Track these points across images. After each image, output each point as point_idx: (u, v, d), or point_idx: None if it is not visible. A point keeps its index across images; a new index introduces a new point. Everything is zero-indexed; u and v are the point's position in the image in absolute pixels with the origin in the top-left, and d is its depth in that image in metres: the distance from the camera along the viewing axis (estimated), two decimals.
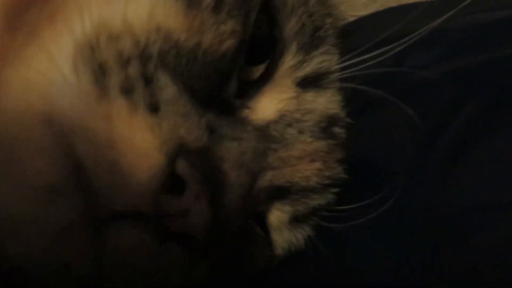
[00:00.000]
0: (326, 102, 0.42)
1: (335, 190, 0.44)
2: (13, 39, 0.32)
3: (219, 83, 0.34)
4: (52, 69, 0.30)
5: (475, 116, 0.39)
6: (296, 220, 0.43)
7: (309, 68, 0.41)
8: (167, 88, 0.31)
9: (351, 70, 0.46)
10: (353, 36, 0.55)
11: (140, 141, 0.29)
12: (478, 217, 0.37)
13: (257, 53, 0.39)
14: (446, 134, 0.41)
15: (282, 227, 0.43)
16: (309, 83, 0.41)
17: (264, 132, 0.38)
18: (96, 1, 0.32)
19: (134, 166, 0.29)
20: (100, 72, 0.30)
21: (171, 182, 0.30)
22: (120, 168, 0.29)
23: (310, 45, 0.41)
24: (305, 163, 0.40)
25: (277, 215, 0.42)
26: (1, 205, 0.29)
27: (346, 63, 0.47)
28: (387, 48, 0.47)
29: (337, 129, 0.43)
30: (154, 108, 0.31)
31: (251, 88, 0.38)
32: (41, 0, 0.32)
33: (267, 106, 0.39)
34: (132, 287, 0.32)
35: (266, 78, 0.39)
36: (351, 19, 0.59)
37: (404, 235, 0.40)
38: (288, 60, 0.39)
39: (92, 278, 0.31)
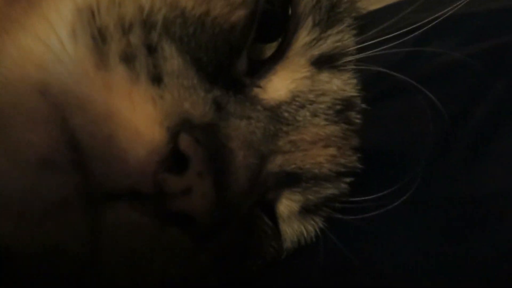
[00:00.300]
0: (342, 84, 0.39)
1: (349, 179, 0.41)
2: (11, 8, 0.30)
3: (228, 57, 0.32)
4: (49, 35, 0.28)
5: (504, 97, 0.36)
6: (306, 210, 0.40)
7: (325, 46, 0.38)
8: (172, 59, 0.29)
9: (369, 52, 0.43)
10: (369, 21, 0.52)
11: (140, 113, 0.27)
12: (502, 204, 0.34)
13: (270, 30, 0.36)
14: (472, 118, 0.38)
15: (291, 218, 0.40)
16: (324, 62, 0.38)
17: (275, 112, 0.35)
18: None
19: (132, 141, 0.27)
20: (99, 38, 0.28)
21: (173, 159, 0.27)
22: (117, 142, 0.27)
23: (327, 22, 0.38)
24: (318, 148, 0.37)
25: (287, 204, 0.39)
26: None
27: (363, 45, 0.44)
28: (404, 30, 0.45)
29: (353, 114, 0.40)
30: (157, 79, 0.28)
31: (263, 66, 0.36)
32: None
33: (279, 85, 0.36)
34: (129, 272, 0.30)
35: (279, 56, 0.36)
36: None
37: (422, 227, 0.37)
38: (303, 37, 0.37)
39: (86, 261, 0.29)
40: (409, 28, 0.45)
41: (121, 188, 0.27)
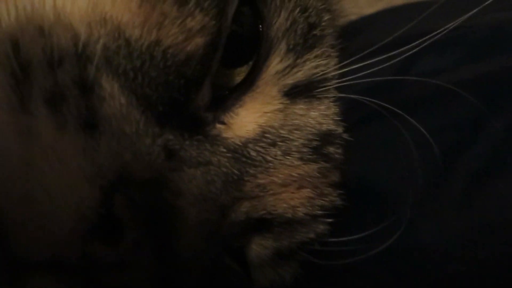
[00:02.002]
0: (319, 115, 0.34)
1: (329, 220, 0.37)
2: None
3: (184, 92, 0.27)
4: None
5: (504, 135, 0.32)
6: (280, 256, 0.35)
7: (300, 74, 0.33)
8: (112, 99, 0.24)
9: (351, 77, 0.39)
10: (355, 37, 0.48)
11: (66, 169, 0.22)
12: None
13: (239, 54, 0.32)
14: (465, 155, 0.33)
15: (263, 265, 0.35)
16: (299, 92, 0.33)
17: (240, 153, 0.30)
18: None
19: (56, 203, 0.22)
20: (21, 75, 0.23)
21: (106, 225, 0.22)
22: (38, 204, 0.22)
23: (303, 46, 0.34)
24: (291, 190, 0.33)
25: (258, 251, 0.35)
26: None
27: (346, 69, 0.39)
28: (394, 52, 0.40)
29: (332, 149, 0.36)
30: (90, 125, 0.23)
31: (228, 97, 0.31)
32: None
33: (247, 119, 0.32)
34: None
35: (248, 85, 0.32)
36: (354, 17, 0.51)
37: (412, 277, 0.33)
38: (275, 64, 0.32)
39: None
40: (396, 51, 0.40)
41: (42, 258, 0.22)
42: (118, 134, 0.24)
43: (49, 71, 0.23)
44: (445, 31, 0.40)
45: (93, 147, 0.23)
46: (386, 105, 0.36)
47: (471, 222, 0.33)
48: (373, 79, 0.38)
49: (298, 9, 0.34)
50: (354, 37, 0.48)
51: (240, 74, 0.32)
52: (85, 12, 0.25)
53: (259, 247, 0.35)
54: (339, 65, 0.39)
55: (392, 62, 0.40)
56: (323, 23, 0.37)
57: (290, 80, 0.33)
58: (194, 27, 0.27)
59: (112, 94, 0.24)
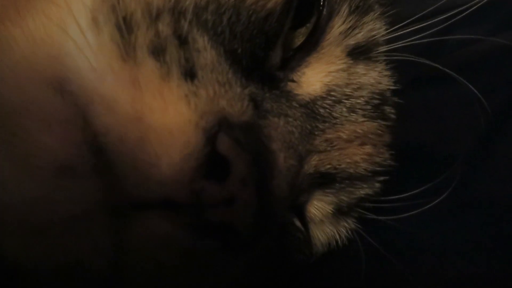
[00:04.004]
0: (378, 75, 0.36)
1: (383, 178, 0.39)
2: None
3: (263, 48, 0.29)
4: (66, 22, 0.24)
5: None
6: (339, 212, 0.37)
7: (360, 35, 0.35)
8: (205, 51, 0.26)
9: (400, 42, 0.40)
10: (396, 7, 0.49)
11: (173, 113, 0.24)
12: None
13: (300, 16, 0.33)
14: None
15: (324, 221, 0.37)
16: (360, 53, 0.35)
17: (310, 109, 0.32)
18: None
19: (165, 144, 0.23)
20: (125, 28, 0.24)
21: (211, 164, 0.24)
22: (148, 146, 0.23)
23: (362, 9, 0.35)
24: (355, 146, 0.35)
25: (319, 206, 0.36)
26: (1, 190, 0.24)
27: (393, 35, 0.41)
28: (433, 20, 0.42)
29: (388, 109, 0.37)
30: (189, 74, 0.25)
31: (295, 57, 0.33)
32: None
33: (313, 79, 0.33)
34: None
35: (312, 45, 0.33)
36: None
37: (467, 233, 0.35)
38: (338, 25, 0.34)
39: (107, 279, 0.26)
40: (436, 19, 0.42)
41: (152, 197, 0.24)
42: (213, 82, 0.25)
43: (151, 23, 0.25)
44: (478, 4, 0.41)
45: (195, 93, 0.24)
46: (436, 65, 0.38)
47: None
48: (420, 41, 0.40)
49: None
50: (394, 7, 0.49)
51: (299, 36, 0.33)
52: None
53: (321, 203, 0.36)
54: (389, 30, 0.41)
55: (432, 30, 0.41)
56: None
57: (352, 41, 0.34)
58: None
59: (205, 46, 0.26)
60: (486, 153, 0.36)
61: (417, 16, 0.42)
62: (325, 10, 0.33)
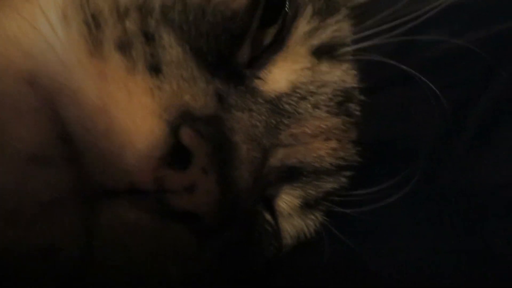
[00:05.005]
0: (342, 74, 0.38)
1: (349, 173, 0.40)
2: None
3: (229, 46, 0.30)
4: (37, 18, 0.26)
5: (509, 85, 0.35)
6: (307, 205, 0.38)
7: (324, 36, 0.37)
8: (171, 47, 0.27)
9: (365, 43, 0.42)
10: (364, 10, 0.51)
11: (137, 105, 0.25)
12: None
13: (268, 16, 0.35)
14: (476, 106, 0.37)
15: (292, 214, 0.38)
16: (324, 52, 0.37)
17: (275, 105, 0.34)
18: None
19: (130, 135, 0.25)
20: (93, 24, 0.26)
21: (174, 154, 0.25)
22: (114, 136, 0.25)
23: (326, 11, 0.37)
24: (319, 141, 0.36)
25: (287, 200, 0.38)
26: None
27: (360, 35, 0.43)
28: (400, 20, 0.44)
29: (352, 106, 0.39)
30: (154, 69, 0.26)
31: (262, 56, 0.34)
32: None
33: (279, 76, 0.35)
34: (126, 273, 0.28)
35: (278, 45, 0.35)
36: None
37: (430, 221, 0.36)
38: (303, 26, 0.35)
39: (79, 263, 0.27)
40: (404, 19, 0.44)
41: (119, 185, 0.25)
42: (178, 77, 0.27)
43: (118, 20, 0.26)
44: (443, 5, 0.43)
45: (159, 87, 0.26)
46: (400, 65, 0.40)
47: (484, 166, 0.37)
48: (386, 41, 0.42)
49: None
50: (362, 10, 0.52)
51: (269, 35, 0.35)
52: None
53: (289, 196, 0.38)
54: (354, 31, 0.43)
55: (398, 30, 0.43)
56: None
57: (316, 41, 0.36)
58: None
59: (171, 44, 0.27)
60: (446, 146, 0.38)
61: (385, 16, 0.45)
62: (289, 11, 0.35)
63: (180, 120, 0.26)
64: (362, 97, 0.42)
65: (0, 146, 0.25)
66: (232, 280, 0.36)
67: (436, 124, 0.39)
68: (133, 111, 0.25)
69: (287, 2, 0.35)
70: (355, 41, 0.43)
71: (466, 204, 0.35)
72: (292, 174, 0.36)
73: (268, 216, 0.38)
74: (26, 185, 0.25)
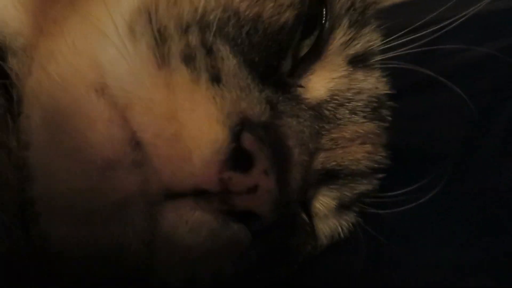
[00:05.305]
0: (375, 82, 0.40)
1: (381, 175, 0.42)
2: (51, 7, 0.30)
3: (277, 57, 0.33)
4: (107, 33, 0.28)
5: None
6: (342, 206, 0.40)
7: (359, 46, 0.39)
8: (228, 59, 0.29)
9: (395, 52, 0.45)
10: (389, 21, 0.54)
11: (202, 113, 0.27)
12: None
13: (307, 30, 0.37)
14: (503, 112, 0.39)
15: (328, 215, 0.40)
16: (359, 61, 0.39)
17: (317, 111, 0.36)
18: None
19: (197, 140, 0.27)
20: (160, 38, 0.28)
21: (237, 158, 0.27)
22: (181, 142, 0.27)
23: (360, 22, 0.39)
24: (356, 145, 0.38)
25: (324, 201, 0.40)
26: (52, 181, 0.27)
27: (388, 45, 0.45)
28: (425, 32, 0.46)
29: (384, 111, 0.42)
30: (215, 79, 0.28)
31: (301, 65, 0.37)
32: None
33: (318, 84, 0.37)
34: (185, 271, 0.30)
35: (316, 55, 0.37)
36: (387, 3, 0.57)
37: (459, 220, 0.38)
38: (339, 37, 0.38)
39: (144, 261, 0.29)
40: (430, 29, 0.46)
41: (185, 187, 0.27)
42: (236, 87, 0.29)
43: (182, 34, 0.28)
44: (463, 18, 0.45)
45: (221, 96, 0.28)
46: (429, 72, 0.42)
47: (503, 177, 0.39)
48: (411, 51, 0.44)
49: None
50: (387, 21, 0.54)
51: (304, 47, 0.37)
52: None
53: (325, 198, 0.40)
54: (384, 41, 0.45)
55: (420, 42, 0.46)
56: (371, 5, 0.43)
57: (352, 51, 0.38)
58: (285, 3, 0.32)
59: (227, 55, 0.29)
60: (473, 150, 0.40)
61: (409, 29, 0.47)
62: (327, 24, 0.37)
63: (241, 126, 0.28)
64: (391, 103, 0.44)
65: (76, 151, 0.27)
66: (272, 278, 0.38)
67: (463, 128, 0.41)
68: (199, 118, 0.27)
69: (324, 17, 0.37)
70: (383, 51, 0.45)
71: (494, 205, 0.37)
72: (330, 177, 0.38)
73: (305, 217, 0.40)
74: (101, 188, 0.27)
